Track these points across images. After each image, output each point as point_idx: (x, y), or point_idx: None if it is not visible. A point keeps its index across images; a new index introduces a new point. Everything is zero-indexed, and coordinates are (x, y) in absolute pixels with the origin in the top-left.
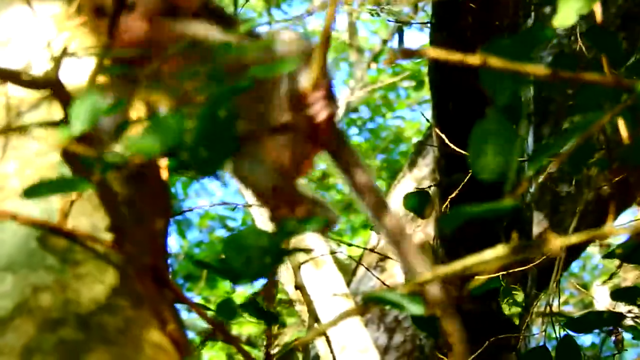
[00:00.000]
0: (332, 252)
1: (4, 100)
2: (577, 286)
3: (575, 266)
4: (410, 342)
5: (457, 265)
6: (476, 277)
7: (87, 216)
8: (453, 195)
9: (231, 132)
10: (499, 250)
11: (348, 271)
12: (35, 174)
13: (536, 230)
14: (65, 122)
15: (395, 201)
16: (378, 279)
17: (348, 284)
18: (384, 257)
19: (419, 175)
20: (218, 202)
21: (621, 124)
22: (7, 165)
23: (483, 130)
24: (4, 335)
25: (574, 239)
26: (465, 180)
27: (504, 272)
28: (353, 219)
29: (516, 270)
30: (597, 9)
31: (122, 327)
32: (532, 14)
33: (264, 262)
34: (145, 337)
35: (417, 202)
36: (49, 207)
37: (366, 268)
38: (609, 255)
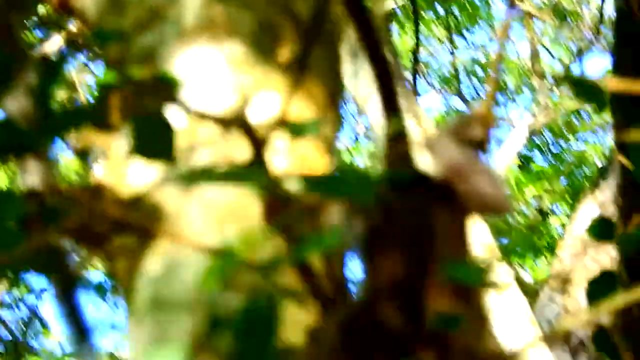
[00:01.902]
0: (517, 276)
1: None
2: None
3: None
4: None
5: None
6: None
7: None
8: (638, 220)
9: None
10: None
11: (532, 294)
12: (216, 217)
13: None
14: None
15: (579, 225)
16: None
17: (532, 307)
18: (568, 280)
19: (602, 200)
20: None
21: None
22: (188, 210)
23: None
24: None
25: None
26: None
27: None
28: (538, 241)
29: None
30: None
31: None
32: None
33: None
34: None
35: (601, 229)
36: (230, 245)
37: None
38: None
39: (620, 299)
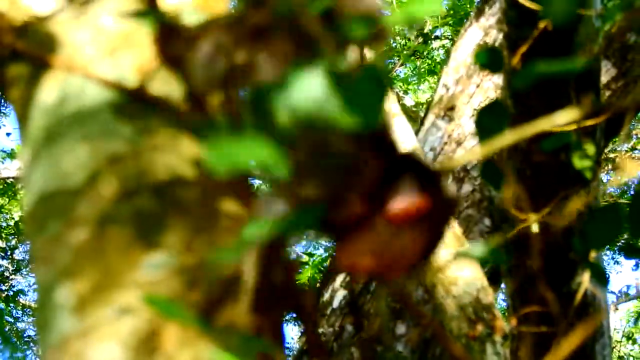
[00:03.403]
0: (400, 101)
1: None
2: None
3: None
4: (479, 192)
5: (531, 129)
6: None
7: (163, 83)
8: (524, 49)
9: None
10: (572, 113)
11: (415, 118)
12: (109, 43)
13: (604, 78)
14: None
15: (463, 50)
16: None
17: (416, 133)
18: (452, 107)
19: (486, 24)
20: None
21: None
22: (81, 38)
23: None
24: (79, 205)
25: None
26: (536, 35)
27: (575, 127)
28: (420, 64)
29: (587, 124)
30: None
31: (197, 197)
32: None
33: None
34: (221, 207)
35: (489, 58)
36: (124, 76)
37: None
38: None
39: (511, 136)
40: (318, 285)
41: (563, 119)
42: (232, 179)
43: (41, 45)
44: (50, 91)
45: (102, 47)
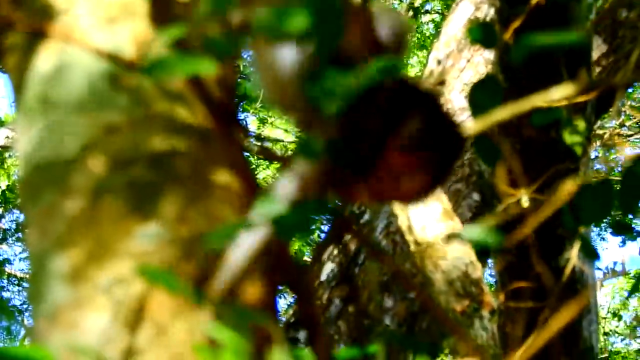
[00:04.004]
0: None
1: None
2: (634, 109)
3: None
4: (468, 166)
5: (525, 104)
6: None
7: (158, 51)
8: (516, 25)
9: None
10: (566, 89)
11: None
12: (106, 14)
13: (595, 54)
14: None
15: (454, 24)
16: None
17: None
18: (442, 82)
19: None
20: None
21: None
22: (78, 7)
23: None
24: (74, 175)
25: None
26: (529, 10)
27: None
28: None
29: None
30: None
31: (192, 168)
32: None
33: None
34: (215, 178)
35: (482, 33)
36: (121, 46)
37: None
38: None
39: (506, 111)
40: (311, 258)
41: (557, 94)
42: (227, 150)
43: (38, 15)
44: (46, 60)
45: (99, 18)
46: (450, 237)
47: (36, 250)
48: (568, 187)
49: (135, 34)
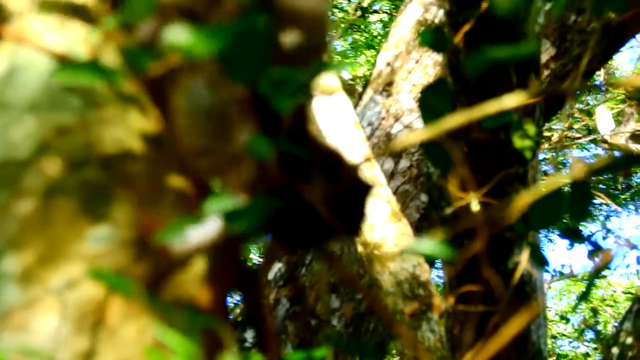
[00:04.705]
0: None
1: None
2: (582, 112)
3: None
4: (416, 167)
5: (477, 112)
6: None
7: (111, 54)
8: (466, 29)
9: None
10: (519, 97)
11: (352, 92)
12: (58, 17)
13: (544, 57)
14: None
15: (403, 26)
16: None
17: (354, 107)
18: (390, 83)
19: (426, 0)
20: None
21: None
22: (30, 9)
23: None
24: (26, 176)
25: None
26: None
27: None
28: (357, 38)
29: (527, 103)
30: None
31: (144, 170)
32: None
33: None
34: (167, 181)
35: (433, 38)
36: (73, 47)
37: None
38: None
39: (459, 117)
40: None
41: (510, 102)
42: (178, 156)
43: None
44: None
45: (51, 19)
46: (404, 251)
47: None
48: (523, 199)
49: (88, 34)
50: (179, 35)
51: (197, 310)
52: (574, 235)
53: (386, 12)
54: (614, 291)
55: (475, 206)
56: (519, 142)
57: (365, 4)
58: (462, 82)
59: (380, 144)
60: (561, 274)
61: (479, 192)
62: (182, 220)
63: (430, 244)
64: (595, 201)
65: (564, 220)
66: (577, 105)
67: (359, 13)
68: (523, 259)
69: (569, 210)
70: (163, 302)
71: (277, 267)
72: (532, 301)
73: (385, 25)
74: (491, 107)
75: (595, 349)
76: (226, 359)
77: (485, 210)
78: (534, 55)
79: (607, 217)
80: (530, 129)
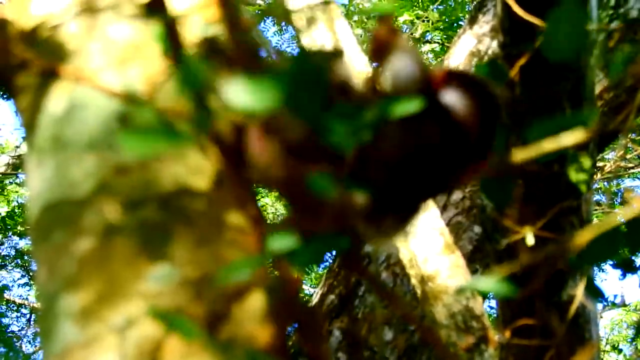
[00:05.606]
0: None
1: None
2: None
3: None
4: (469, 199)
5: (537, 149)
6: None
7: (169, 97)
8: (522, 62)
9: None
10: (577, 135)
11: None
12: (118, 54)
13: (597, 88)
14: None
15: (456, 57)
16: None
17: None
18: None
19: (479, 32)
20: None
21: None
22: (89, 48)
23: (557, 15)
24: (85, 215)
25: None
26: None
27: None
28: None
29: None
30: None
31: (202, 208)
32: None
33: None
34: (226, 219)
35: (490, 71)
36: (132, 87)
37: None
38: None
39: (519, 155)
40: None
41: (568, 140)
42: (238, 191)
43: (50, 55)
44: (58, 101)
45: (111, 58)
46: (462, 290)
47: (46, 289)
48: (582, 236)
49: (147, 74)
50: (238, 94)
51: (256, 349)
52: (627, 266)
53: (438, 42)
54: None
55: (530, 240)
56: (574, 176)
57: (417, 35)
58: (513, 114)
59: None
60: (613, 303)
61: (534, 225)
62: (242, 263)
63: (490, 281)
64: None
65: (626, 258)
66: (630, 135)
67: (411, 44)
68: (579, 293)
69: (627, 245)
70: (221, 342)
71: (329, 298)
72: (585, 333)
73: (437, 55)
74: (549, 145)
75: None
76: None
77: (544, 247)
78: (587, 85)
79: None
80: (586, 162)
